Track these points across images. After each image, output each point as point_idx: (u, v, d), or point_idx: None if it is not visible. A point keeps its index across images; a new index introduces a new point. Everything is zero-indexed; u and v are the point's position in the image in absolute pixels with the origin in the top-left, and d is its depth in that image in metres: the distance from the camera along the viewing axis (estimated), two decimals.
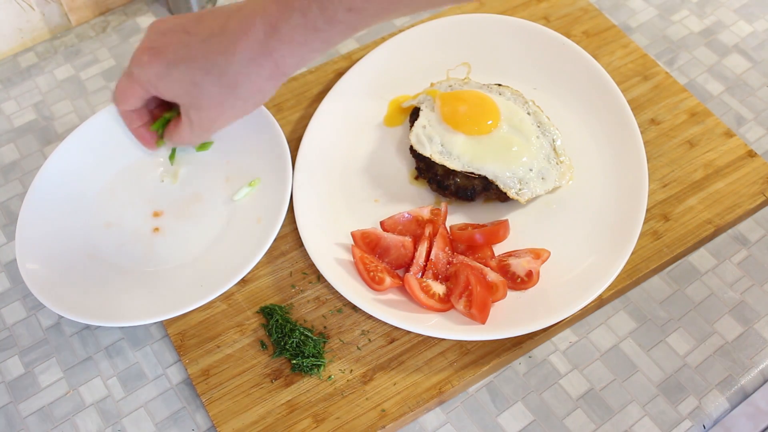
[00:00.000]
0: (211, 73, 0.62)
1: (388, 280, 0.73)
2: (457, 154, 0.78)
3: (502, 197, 0.78)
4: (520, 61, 0.89)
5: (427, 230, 0.76)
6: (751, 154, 0.83)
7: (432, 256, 0.75)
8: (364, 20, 0.58)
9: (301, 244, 0.77)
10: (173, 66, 0.64)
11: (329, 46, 0.61)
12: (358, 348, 0.72)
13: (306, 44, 0.60)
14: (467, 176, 0.78)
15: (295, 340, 0.71)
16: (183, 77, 0.64)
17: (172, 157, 0.84)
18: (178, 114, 0.71)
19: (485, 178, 0.77)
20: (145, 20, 1.00)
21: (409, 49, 0.91)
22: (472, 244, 0.76)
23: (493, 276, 0.72)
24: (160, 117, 0.76)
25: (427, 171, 0.80)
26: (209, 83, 0.63)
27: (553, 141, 0.81)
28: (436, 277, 0.74)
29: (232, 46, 0.61)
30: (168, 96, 0.67)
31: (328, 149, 0.84)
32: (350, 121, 0.86)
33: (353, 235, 0.76)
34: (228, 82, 0.62)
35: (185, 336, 0.73)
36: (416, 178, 0.82)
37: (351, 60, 0.92)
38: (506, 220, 0.77)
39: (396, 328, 0.72)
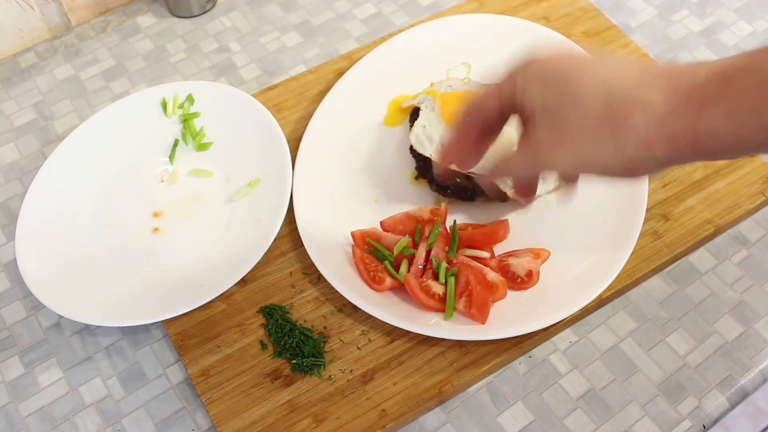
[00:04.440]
0: (602, 93, 0.49)
1: (388, 280, 0.73)
2: None
3: (502, 197, 0.78)
4: None
5: (427, 230, 0.76)
6: (751, 154, 0.83)
7: (432, 256, 0.75)
8: None
9: (301, 244, 0.77)
10: (563, 73, 0.52)
11: None
12: (358, 348, 0.72)
13: (756, 114, 0.43)
14: (467, 176, 0.78)
15: (295, 340, 0.71)
16: (566, 87, 0.51)
17: (172, 156, 0.84)
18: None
19: None
20: (145, 20, 1.00)
21: (409, 49, 0.91)
22: (472, 244, 0.76)
23: (493, 276, 0.72)
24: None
25: (427, 171, 0.80)
26: (592, 100, 0.49)
27: None
28: (436, 277, 0.74)
29: (653, 77, 0.48)
30: (530, 104, 0.54)
31: (328, 149, 0.84)
32: (350, 121, 0.86)
33: (353, 235, 0.76)
34: (619, 109, 0.48)
35: (185, 336, 0.73)
36: (416, 178, 0.82)
37: (351, 60, 0.92)
38: (506, 220, 0.77)
39: (396, 328, 0.72)
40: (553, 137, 0.53)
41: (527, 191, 0.65)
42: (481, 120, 0.60)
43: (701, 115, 0.45)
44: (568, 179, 0.59)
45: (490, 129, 0.61)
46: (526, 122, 0.56)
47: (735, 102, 0.44)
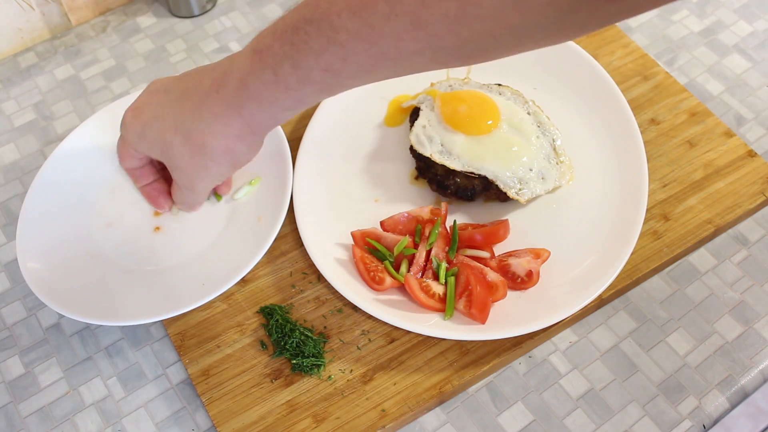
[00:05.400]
0: (179, 132, 0.60)
1: (388, 280, 0.73)
2: (457, 154, 0.78)
3: (502, 197, 0.78)
4: (520, 61, 0.88)
5: (427, 230, 0.76)
6: (751, 154, 0.83)
7: (432, 256, 0.75)
8: (341, 82, 0.54)
9: (301, 244, 0.77)
10: (147, 126, 0.62)
11: (303, 106, 0.57)
12: (358, 348, 0.72)
13: (276, 102, 0.56)
14: (467, 176, 0.78)
15: (295, 340, 0.71)
16: (156, 137, 0.62)
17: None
18: None
19: (485, 178, 0.77)
20: (145, 20, 1.00)
21: None
22: (472, 244, 0.76)
23: (493, 276, 0.72)
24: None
25: (427, 171, 0.80)
26: (179, 143, 0.61)
27: (553, 141, 0.81)
28: (436, 277, 0.74)
29: (200, 103, 0.59)
30: (150, 155, 0.66)
31: (328, 149, 0.84)
32: (350, 121, 0.86)
33: (353, 235, 0.76)
34: (196, 142, 0.60)
35: (185, 336, 0.73)
36: (416, 178, 0.82)
37: None
38: (506, 220, 0.77)
39: (396, 328, 0.72)
40: (181, 175, 0.64)
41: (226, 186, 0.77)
42: (143, 168, 0.73)
43: (243, 115, 0.57)
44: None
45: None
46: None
47: (258, 101, 0.57)
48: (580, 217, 0.78)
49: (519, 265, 0.73)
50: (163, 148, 0.62)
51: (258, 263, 0.76)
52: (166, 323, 0.74)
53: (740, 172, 0.81)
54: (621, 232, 0.75)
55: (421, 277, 0.74)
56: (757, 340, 0.73)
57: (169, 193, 0.75)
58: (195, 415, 0.71)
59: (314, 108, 0.87)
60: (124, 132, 0.65)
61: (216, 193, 0.80)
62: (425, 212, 0.78)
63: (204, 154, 0.60)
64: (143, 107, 0.63)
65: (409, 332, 0.72)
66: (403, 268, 0.74)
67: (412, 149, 0.81)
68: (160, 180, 0.75)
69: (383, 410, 0.68)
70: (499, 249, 0.77)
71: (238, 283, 0.76)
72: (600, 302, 0.74)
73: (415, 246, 0.76)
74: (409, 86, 0.88)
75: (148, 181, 0.73)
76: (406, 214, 0.78)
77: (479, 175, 0.77)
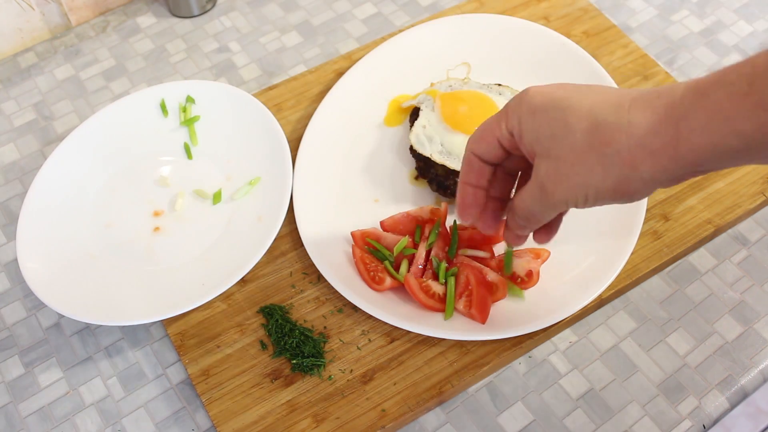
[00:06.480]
0: (588, 119, 0.51)
1: (388, 280, 0.73)
2: (457, 154, 0.78)
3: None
4: (520, 61, 0.89)
5: (427, 230, 0.76)
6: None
7: (432, 256, 0.75)
8: None
9: (301, 244, 0.77)
10: (555, 104, 0.53)
11: (755, 146, 0.46)
12: (358, 348, 0.72)
13: (731, 121, 0.45)
14: None
15: (295, 340, 0.71)
16: (556, 116, 0.53)
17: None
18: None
19: None
20: (145, 20, 1.00)
21: (409, 49, 0.91)
22: (472, 244, 0.76)
23: (493, 276, 0.73)
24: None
25: (427, 171, 0.80)
26: (582, 129, 0.51)
27: None
28: (436, 277, 0.74)
29: (631, 100, 0.50)
30: (527, 138, 0.55)
31: (328, 149, 0.84)
32: (350, 121, 0.86)
33: (353, 235, 0.76)
34: (602, 134, 0.50)
35: (185, 336, 0.73)
36: (416, 178, 0.82)
37: (351, 60, 0.92)
38: (506, 220, 0.77)
39: (396, 328, 0.72)
40: (551, 168, 0.54)
41: (546, 234, 0.63)
42: (484, 165, 0.61)
43: (679, 128, 0.48)
44: (548, 225, 0.61)
45: (500, 182, 0.63)
46: (530, 158, 0.57)
47: (709, 112, 0.46)
48: (580, 217, 0.78)
49: (519, 265, 0.73)
50: (557, 130, 0.53)
51: (258, 263, 0.76)
52: (166, 323, 0.74)
53: (740, 172, 0.81)
54: (621, 232, 0.75)
55: (421, 277, 0.74)
56: (757, 340, 0.73)
57: (484, 210, 0.63)
58: (195, 415, 0.71)
59: (314, 108, 0.87)
60: (516, 102, 0.56)
61: (216, 195, 0.80)
62: (425, 212, 0.78)
63: (601, 152, 0.50)
64: (555, 88, 0.55)
65: (409, 332, 0.72)
66: (403, 268, 0.74)
67: (412, 149, 0.81)
68: (485, 192, 0.63)
69: (383, 410, 0.68)
70: (499, 249, 0.77)
71: (238, 283, 0.76)
72: (600, 302, 0.74)
73: (415, 246, 0.76)
74: (409, 86, 0.88)
75: (477, 183, 0.61)
76: (406, 214, 0.78)
77: None
